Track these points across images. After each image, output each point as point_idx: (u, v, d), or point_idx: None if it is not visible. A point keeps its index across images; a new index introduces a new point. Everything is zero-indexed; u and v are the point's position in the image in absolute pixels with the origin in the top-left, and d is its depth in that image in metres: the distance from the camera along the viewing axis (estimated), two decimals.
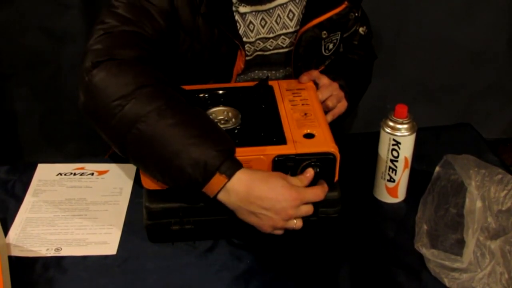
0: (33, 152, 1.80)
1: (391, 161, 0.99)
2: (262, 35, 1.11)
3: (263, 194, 0.83)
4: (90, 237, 0.97)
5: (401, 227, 0.99)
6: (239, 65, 1.09)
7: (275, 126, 0.94)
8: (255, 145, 0.90)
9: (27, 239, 0.97)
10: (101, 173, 1.10)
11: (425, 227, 0.94)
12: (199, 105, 0.97)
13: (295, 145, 0.90)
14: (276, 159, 0.88)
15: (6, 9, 1.59)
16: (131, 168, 1.10)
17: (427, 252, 0.89)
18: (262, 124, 0.95)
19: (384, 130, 0.98)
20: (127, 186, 1.07)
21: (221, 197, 0.84)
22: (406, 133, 0.97)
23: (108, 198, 1.04)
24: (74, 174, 1.09)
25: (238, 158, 0.85)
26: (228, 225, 0.93)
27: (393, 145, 0.98)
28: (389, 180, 1.01)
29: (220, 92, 1.03)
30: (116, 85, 0.85)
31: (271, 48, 1.13)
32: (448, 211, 0.97)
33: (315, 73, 1.10)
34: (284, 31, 1.12)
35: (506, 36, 1.80)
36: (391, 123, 0.97)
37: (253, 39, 1.10)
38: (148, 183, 0.90)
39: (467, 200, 0.91)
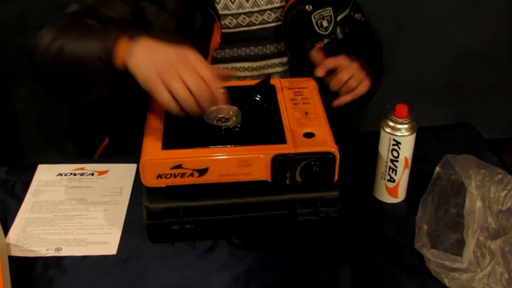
0: (33, 152, 1.80)
1: (391, 161, 0.99)
2: (246, 9, 1.11)
3: (164, 48, 0.85)
4: (90, 237, 0.97)
5: (401, 227, 0.99)
6: (216, 39, 1.07)
7: (276, 125, 0.94)
8: (254, 144, 0.90)
9: (27, 239, 0.97)
10: (101, 173, 1.10)
11: (425, 227, 0.94)
12: None
13: (294, 144, 0.90)
14: (275, 158, 0.88)
15: (6, 9, 1.59)
16: (131, 168, 1.10)
17: (427, 252, 0.89)
18: (263, 123, 0.95)
19: (384, 130, 0.98)
20: (127, 186, 1.07)
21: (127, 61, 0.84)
22: (406, 133, 0.97)
23: (108, 198, 1.04)
24: (74, 174, 1.09)
25: (237, 156, 0.86)
26: (228, 225, 0.93)
27: (393, 145, 0.98)
28: (389, 180, 1.01)
29: (222, 91, 1.03)
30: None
31: (256, 22, 1.13)
32: (448, 211, 0.97)
33: (330, 62, 1.05)
34: (269, 6, 1.12)
35: (506, 36, 1.79)
36: (391, 123, 0.97)
37: (235, 11, 1.09)
38: (148, 181, 0.90)
39: (467, 200, 0.91)
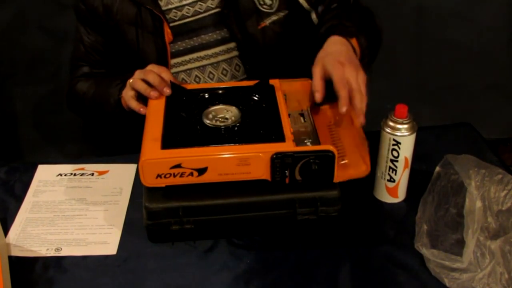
0: (33, 152, 1.81)
1: (391, 161, 0.99)
2: (189, 0, 1.15)
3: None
4: (90, 237, 0.97)
5: (401, 227, 0.98)
6: (168, 34, 1.16)
7: (274, 124, 0.94)
8: (254, 143, 0.90)
9: (27, 239, 0.97)
10: (101, 173, 1.10)
11: (425, 227, 0.93)
12: (199, 104, 0.99)
13: (293, 143, 0.90)
14: (274, 156, 0.88)
15: (6, 9, 1.59)
16: (131, 168, 1.10)
17: (427, 252, 0.89)
18: (262, 122, 0.95)
19: (384, 130, 0.98)
20: (127, 186, 1.07)
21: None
22: (406, 133, 0.97)
23: (108, 198, 1.04)
24: (74, 174, 1.10)
25: (236, 155, 0.88)
26: (228, 225, 0.93)
27: (393, 145, 0.98)
28: (389, 180, 1.01)
29: (221, 91, 1.04)
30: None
31: (201, 11, 1.16)
32: (448, 211, 0.97)
33: (319, 84, 0.96)
34: None
35: (506, 36, 1.79)
36: (391, 123, 0.97)
37: (178, 4, 1.14)
38: (148, 181, 0.90)
39: (467, 200, 0.91)
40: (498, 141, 1.94)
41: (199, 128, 0.95)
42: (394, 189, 1.02)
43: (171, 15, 1.16)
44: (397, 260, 0.92)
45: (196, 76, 1.21)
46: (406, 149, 0.98)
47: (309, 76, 1.00)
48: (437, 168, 1.01)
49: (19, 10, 1.60)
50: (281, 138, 0.91)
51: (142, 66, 1.09)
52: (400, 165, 0.99)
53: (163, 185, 0.90)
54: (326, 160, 0.89)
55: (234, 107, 0.98)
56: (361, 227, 0.99)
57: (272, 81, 1.05)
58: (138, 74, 1.07)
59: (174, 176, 0.88)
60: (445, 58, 1.80)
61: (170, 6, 1.16)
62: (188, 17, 1.16)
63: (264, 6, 1.14)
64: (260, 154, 0.88)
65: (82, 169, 1.11)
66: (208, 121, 0.95)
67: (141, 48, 1.19)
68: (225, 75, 1.22)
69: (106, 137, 1.42)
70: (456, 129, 1.24)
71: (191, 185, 0.90)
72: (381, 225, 0.99)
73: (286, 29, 1.18)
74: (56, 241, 0.96)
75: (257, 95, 1.01)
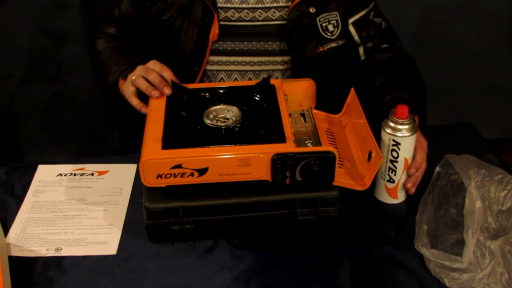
0: (33, 152, 1.81)
1: (391, 161, 0.99)
2: (250, 5, 1.15)
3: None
4: (90, 237, 0.97)
5: (401, 227, 0.98)
6: (214, 31, 1.15)
7: (275, 124, 0.94)
8: (254, 143, 0.90)
9: (27, 239, 0.96)
10: (101, 173, 1.10)
11: (425, 227, 0.93)
12: (200, 104, 0.99)
13: (294, 144, 0.90)
14: (275, 157, 0.88)
15: (6, 8, 1.59)
16: (131, 168, 1.10)
17: (427, 252, 0.89)
18: (262, 123, 0.95)
19: (385, 131, 0.98)
20: (127, 186, 1.07)
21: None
22: (407, 134, 0.96)
23: (108, 198, 1.04)
24: (74, 174, 1.09)
25: (237, 156, 0.88)
26: (228, 225, 0.93)
27: (392, 145, 0.98)
28: (388, 181, 1.01)
29: (221, 91, 1.04)
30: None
31: (260, 19, 1.16)
32: (448, 211, 0.97)
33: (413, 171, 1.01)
34: (274, 4, 1.16)
35: (506, 36, 1.79)
36: (391, 124, 0.97)
37: (238, 5, 1.14)
38: (148, 181, 0.90)
39: (467, 200, 0.91)
40: (498, 141, 1.94)
41: (199, 128, 0.95)
42: (393, 189, 1.02)
43: (228, 14, 1.16)
44: (397, 260, 0.92)
45: (235, 79, 1.22)
46: (406, 150, 0.98)
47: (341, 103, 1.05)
48: (437, 168, 1.01)
49: (19, 10, 1.60)
50: (282, 138, 0.91)
51: (175, 53, 1.09)
52: (400, 166, 0.99)
53: (163, 185, 0.90)
54: (327, 161, 0.89)
55: (235, 107, 0.98)
56: (361, 227, 0.99)
57: (273, 81, 1.05)
58: (139, 70, 1.07)
59: (175, 176, 0.89)
60: (445, 58, 1.80)
61: (229, 5, 1.16)
62: (245, 20, 1.16)
63: (327, 33, 1.17)
64: (261, 155, 0.88)
65: (82, 169, 1.11)
66: (208, 121, 0.96)
67: (182, 38, 1.18)
68: None
69: (106, 137, 1.42)
70: (456, 129, 1.24)
71: (191, 185, 0.90)
72: (381, 225, 0.99)
73: (339, 57, 1.20)
74: (56, 241, 0.96)
75: (258, 95, 1.01)
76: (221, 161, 0.88)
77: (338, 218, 0.93)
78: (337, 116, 1.06)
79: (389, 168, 1.00)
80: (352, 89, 1.02)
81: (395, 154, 0.98)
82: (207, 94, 1.03)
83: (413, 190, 1.00)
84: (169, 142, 0.91)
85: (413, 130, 0.97)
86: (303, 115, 1.03)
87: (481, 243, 0.87)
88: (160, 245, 0.95)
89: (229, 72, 1.21)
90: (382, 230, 0.98)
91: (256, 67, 1.21)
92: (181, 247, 0.94)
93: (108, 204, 1.03)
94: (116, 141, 1.71)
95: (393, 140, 0.97)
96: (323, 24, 1.16)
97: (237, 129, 0.94)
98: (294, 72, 1.22)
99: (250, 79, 1.22)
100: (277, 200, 0.91)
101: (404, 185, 1.01)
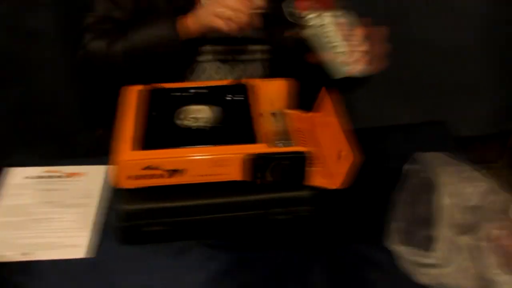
0: (3, 155, 1.77)
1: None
2: None
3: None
4: (60, 240, 0.95)
5: (372, 225, 0.98)
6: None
7: (247, 124, 0.94)
8: (226, 144, 0.90)
9: None
10: (70, 175, 1.08)
11: (396, 224, 0.94)
12: (171, 103, 0.98)
13: (266, 144, 0.90)
14: (247, 157, 0.88)
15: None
16: (102, 169, 1.09)
17: (399, 249, 0.90)
18: (234, 123, 0.95)
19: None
20: (98, 188, 1.05)
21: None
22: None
23: (79, 200, 1.03)
24: (44, 177, 1.08)
25: (210, 157, 0.87)
26: (202, 226, 0.93)
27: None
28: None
29: (193, 90, 1.03)
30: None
31: None
32: (419, 208, 0.97)
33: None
34: None
35: (479, 33, 1.80)
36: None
37: None
38: (120, 182, 0.89)
39: (436, 197, 0.92)
40: (472, 139, 1.96)
41: (171, 129, 0.94)
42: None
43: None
44: (369, 258, 0.93)
45: (218, 67, 1.22)
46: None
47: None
48: (406, 166, 1.02)
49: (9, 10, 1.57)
50: (253, 139, 0.91)
51: None
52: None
53: (136, 187, 0.89)
54: (298, 161, 0.89)
55: (207, 107, 0.97)
56: (333, 226, 0.99)
57: (245, 81, 1.05)
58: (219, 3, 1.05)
59: (147, 177, 0.88)
60: (417, 55, 1.80)
61: None
62: None
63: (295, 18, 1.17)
64: (233, 156, 0.88)
65: (51, 171, 1.09)
66: (180, 121, 0.95)
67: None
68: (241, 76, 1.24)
69: (76, 138, 1.39)
70: (426, 127, 1.24)
71: (163, 186, 0.89)
72: (352, 224, 1.00)
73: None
74: (23, 245, 0.94)
75: (230, 95, 1.01)
76: (194, 162, 0.88)
77: (311, 218, 0.94)
78: (309, 114, 1.06)
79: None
80: (323, 87, 1.02)
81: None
82: (179, 93, 1.02)
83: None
84: (141, 142, 0.90)
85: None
86: (275, 114, 1.02)
87: (450, 239, 0.88)
88: (132, 247, 0.93)
89: (211, 63, 1.22)
90: (354, 228, 0.99)
91: (236, 57, 1.22)
92: (152, 248, 0.93)
93: (78, 207, 1.01)
94: (87, 141, 1.68)
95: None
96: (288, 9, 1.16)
97: (208, 129, 0.94)
98: (273, 63, 1.23)
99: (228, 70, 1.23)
100: (249, 200, 0.91)
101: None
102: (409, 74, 1.83)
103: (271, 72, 1.25)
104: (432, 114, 1.82)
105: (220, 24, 1.04)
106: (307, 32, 0.98)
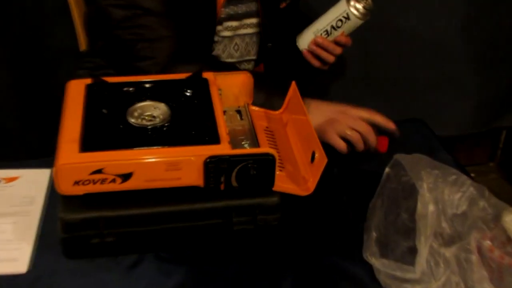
0: None
1: (332, 27, 1.19)
2: None
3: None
4: None
5: (348, 235, 0.95)
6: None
7: (208, 123, 0.89)
8: (185, 145, 0.85)
9: None
10: (9, 180, 1.02)
11: (374, 234, 0.91)
12: (124, 100, 0.93)
13: (229, 145, 0.85)
14: (208, 160, 0.83)
15: None
16: (45, 173, 1.03)
17: (377, 262, 0.86)
18: (194, 121, 0.90)
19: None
20: (40, 194, 0.99)
21: None
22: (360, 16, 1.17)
23: (18, 208, 0.97)
24: None
25: (165, 159, 0.83)
26: (155, 237, 0.88)
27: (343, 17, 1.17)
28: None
29: (148, 85, 0.98)
30: None
31: None
32: (399, 216, 0.94)
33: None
34: None
35: (460, 24, 1.79)
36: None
37: None
38: (64, 188, 0.83)
39: (419, 203, 0.88)
40: (453, 139, 1.95)
41: (123, 128, 0.88)
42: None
43: None
44: (344, 271, 0.89)
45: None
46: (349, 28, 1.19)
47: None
48: (387, 169, 0.97)
49: None
50: (215, 139, 0.86)
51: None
52: (336, 34, 1.20)
53: (81, 193, 0.83)
54: (265, 164, 0.85)
55: (163, 104, 0.92)
56: (304, 236, 0.96)
57: (205, 74, 1.00)
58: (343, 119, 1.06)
59: (94, 183, 0.83)
60: (394, 48, 1.79)
61: None
62: None
63: None
64: (192, 158, 0.83)
65: None
66: (133, 120, 0.89)
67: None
68: (236, 51, 1.29)
69: (22, 138, 1.33)
70: (407, 125, 1.21)
71: (113, 192, 0.84)
72: (325, 233, 0.96)
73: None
74: None
75: (189, 90, 0.96)
76: (147, 165, 0.83)
77: (279, 227, 0.90)
78: (277, 112, 1.03)
79: (326, 30, 1.20)
80: (293, 82, 0.98)
81: (339, 24, 1.19)
82: (131, 88, 0.96)
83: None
84: (88, 143, 0.84)
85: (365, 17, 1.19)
86: (239, 112, 0.99)
87: (434, 250, 0.85)
88: (78, 261, 0.89)
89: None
90: (327, 238, 0.96)
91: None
92: (101, 263, 0.89)
93: (17, 216, 0.95)
94: (33, 143, 1.63)
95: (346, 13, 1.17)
96: None
97: (165, 128, 0.89)
98: (263, 36, 1.29)
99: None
100: (211, 208, 0.87)
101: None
102: (386, 66, 1.82)
103: (261, 47, 1.30)
104: (412, 111, 1.81)
105: (342, 147, 1.04)
106: None
